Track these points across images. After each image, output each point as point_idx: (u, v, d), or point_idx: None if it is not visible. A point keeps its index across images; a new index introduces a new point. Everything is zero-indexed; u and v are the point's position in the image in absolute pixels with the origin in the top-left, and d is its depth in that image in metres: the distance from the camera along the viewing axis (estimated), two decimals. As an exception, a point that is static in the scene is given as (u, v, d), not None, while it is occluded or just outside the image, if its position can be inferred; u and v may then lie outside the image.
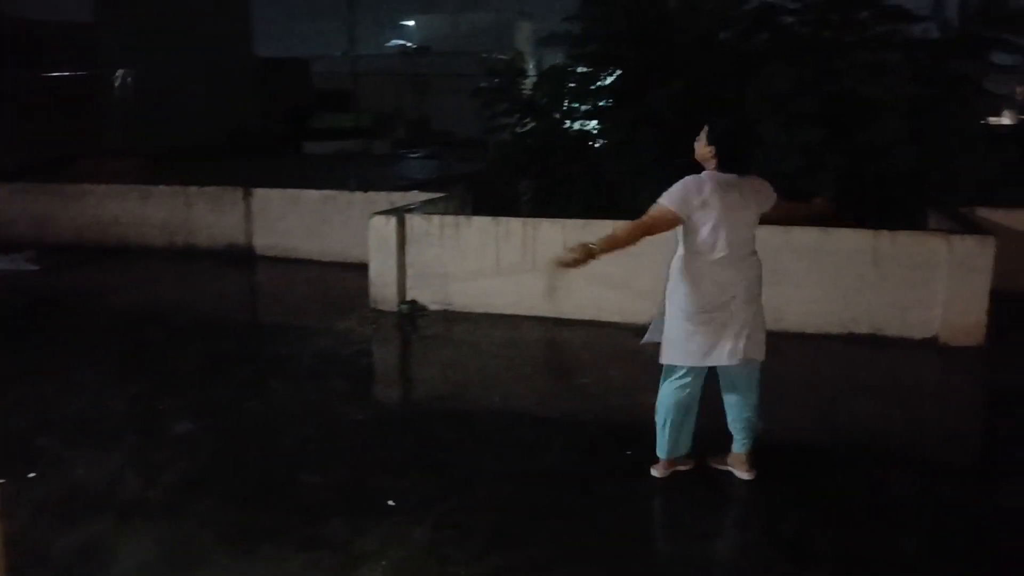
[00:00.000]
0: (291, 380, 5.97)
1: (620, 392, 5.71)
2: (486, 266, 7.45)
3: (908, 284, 6.65)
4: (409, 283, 7.71)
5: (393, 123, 33.54)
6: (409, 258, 7.69)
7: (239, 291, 9.36)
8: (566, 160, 10.65)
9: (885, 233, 6.72)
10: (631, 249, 7.07)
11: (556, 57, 13.06)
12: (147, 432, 4.97)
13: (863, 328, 6.76)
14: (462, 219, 7.74)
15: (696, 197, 3.84)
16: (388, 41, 50.90)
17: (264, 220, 10.40)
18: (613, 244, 3.90)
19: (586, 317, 7.21)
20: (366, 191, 10.23)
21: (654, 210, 3.88)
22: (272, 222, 10.35)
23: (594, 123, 11.87)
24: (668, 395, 4.26)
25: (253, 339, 7.23)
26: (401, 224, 7.66)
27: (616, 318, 7.09)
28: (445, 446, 4.83)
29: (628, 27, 10.81)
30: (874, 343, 6.68)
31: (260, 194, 10.45)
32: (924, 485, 4.31)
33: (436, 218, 7.73)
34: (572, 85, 11.60)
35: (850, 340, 6.72)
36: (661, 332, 4.24)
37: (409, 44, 47.52)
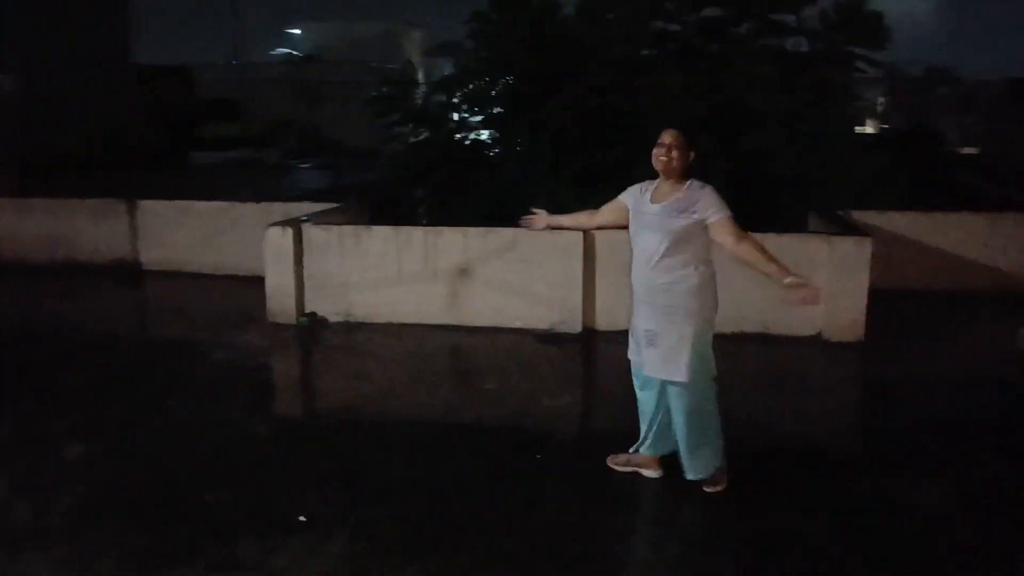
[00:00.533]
0: (189, 397, 5.80)
1: (524, 397, 5.80)
2: (387, 275, 7.42)
3: (793, 284, 7.00)
4: (308, 295, 7.60)
5: (283, 132, 32.89)
6: (308, 269, 7.58)
7: (129, 307, 9.01)
8: (463, 169, 10.73)
9: (771, 235, 7.03)
10: (530, 257, 7.23)
11: (447, 67, 13.10)
12: (36, 456, 4.74)
13: (752, 327, 7.07)
14: (362, 229, 7.69)
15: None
16: (274, 49, 49.94)
17: (151, 233, 10.06)
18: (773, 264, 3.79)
19: (488, 324, 7.28)
20: (259, 202, 10.01)
21: (736, 223, 3.85)
22: (160, 235, 10.01)
23: (489, 132, 11.99)
24: (714, 407, 4.18)
25: (147, 356, 6.97)
26: (298, 235, 7.55)
27: (517, 324, 7.20)
28: (353, 458, 4.79)
29: (523, 36, 10.98)
30: (763, 341, 7.00)
31: (146, 206, 10.10)
32: (814, 473, 4.55)
33: (335, 228, 7.66)
34: (467, 90, 11.68)
35: (741, 339, 7.01)
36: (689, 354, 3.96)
37: (295, 52, 46.75)
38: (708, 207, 3.82)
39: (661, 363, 3.97)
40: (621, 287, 7.12)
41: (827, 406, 5.87)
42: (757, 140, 10.48)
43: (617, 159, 10.35)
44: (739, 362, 6.60)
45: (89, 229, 10.23)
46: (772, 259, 3.75)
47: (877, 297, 6.98)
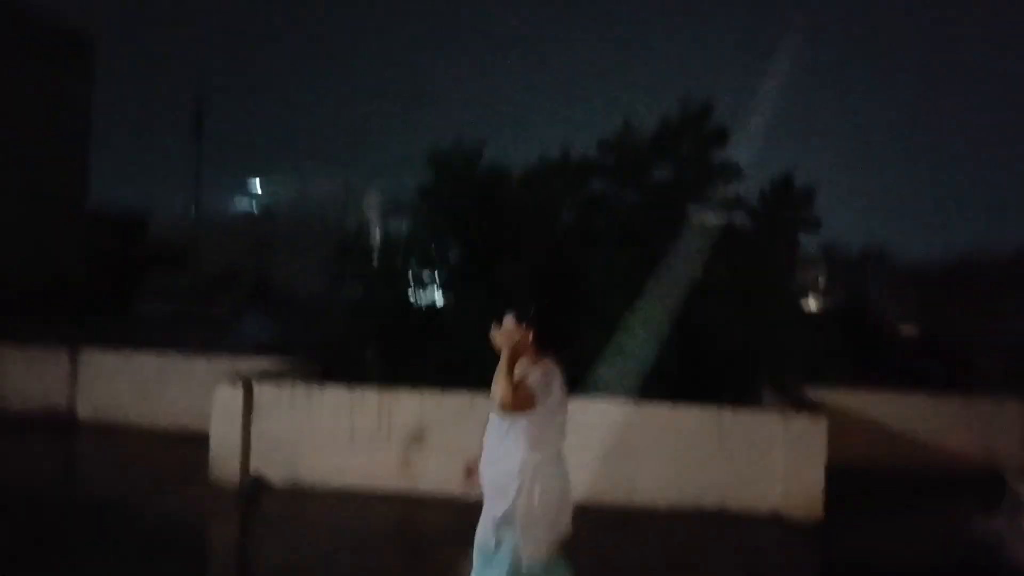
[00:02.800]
0: (114, 564, 5.37)
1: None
2: (339, 438, 7.17)
3: (749, 459, 6.94)
4: (254, 456, 7.27)
5: (234, 283, 32.78)
6: (255, 429, 7.29)
7: (57, 462, 8.51)
8: (417, 329, 10.69)
9: (728, 410, 7.04)
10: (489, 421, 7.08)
11: (403, 226, 13.38)
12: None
13: (710, 502, 6.92)
14: (315, 388, 7.49)
15: (558, 393, 3.71)
16: (234, 200, 50.58)
17: (91, 384, 9.68)
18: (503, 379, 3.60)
19: (441, 491, 7.00)
20: (208, 356, 9.78)
21: (522, 392, 3.62)
22: (100, 386, 9.65)
23: (442, 293, 12.09)
24: None
25: (70, 518, 6.50)
26: (248, 392, 7.31)
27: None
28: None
29: (473, 205, 11.30)
30: (720, 517, 6.84)
31: (88, 355, 9.77)
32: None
33: (287, 386, 7.44)
34: (420, 254, 11.85)
35: (698, 514, 6.84)
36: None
37: (254, 204, 47.43)
38: (529, 373, 3.67)
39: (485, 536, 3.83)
40: (576, 456, 6.99)
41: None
42: (705, 314, 10.71)
43: (568, 328, 10.45)
44: (698, 542, 6.43)
45: (23, 376, 9.82)
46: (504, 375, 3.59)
47: (830, 474, 6.93)
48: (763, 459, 6.90)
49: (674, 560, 6.01)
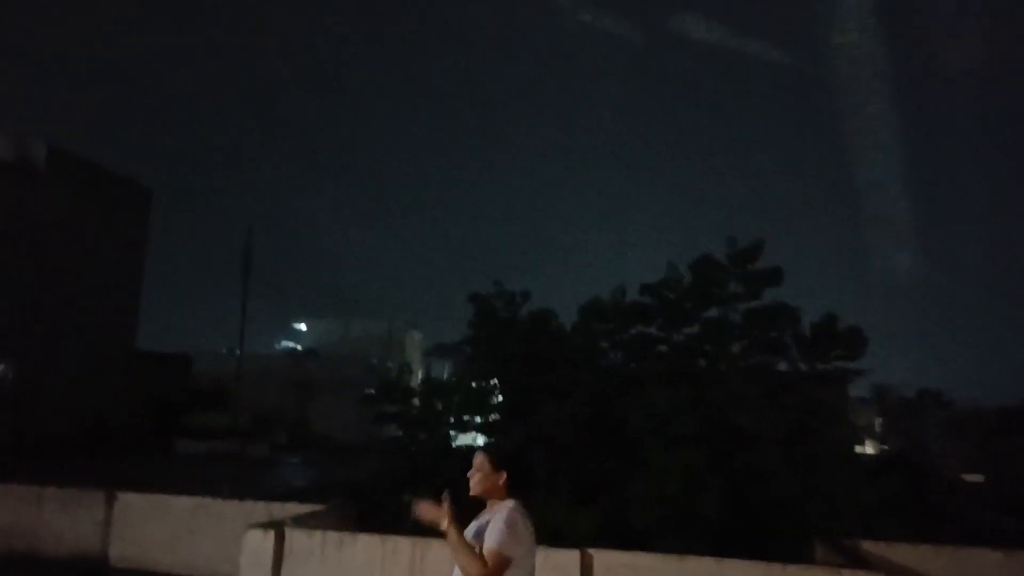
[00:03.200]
0: None
1: None
2: (370, 588, 6.90)
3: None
4: (283, 606, 7.02)
5: (273, 424, 32.79)
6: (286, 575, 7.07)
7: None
8: (456, 474, 10.47)
9: (777, 566, 6.65)
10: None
11: (444, 368, 13.39)
12: None
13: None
14: (346, 536, 7.27)
15: (523, 534, 3.57)
16: (279, 342, 51.34)
17: (124, 527, 9.52)
18: (457, 552, 3.48)
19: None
20: (242, 499, 9.61)
21: (497, 562, 3.47)
22: (133, 530, 9.48)
23: (483, 438, 11.90)
24: None
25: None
26: (280, 540, 7.12)
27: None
28: None
29: (517, 348, 11.27)
30: None
31: (124, 499, 9.66)
32: None
33: (318, 534, 7.24)
34: (461, 398, 11.77)
35: None
36: None
37: (298, 347, 48.03)
38: (491, 528, 3.52)
39: None
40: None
41: None
42: (751, 460, 10.35)
43: (609, 472, 10.16)
44: None
45: (59, 519, 9.70)
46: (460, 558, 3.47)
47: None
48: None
49: None
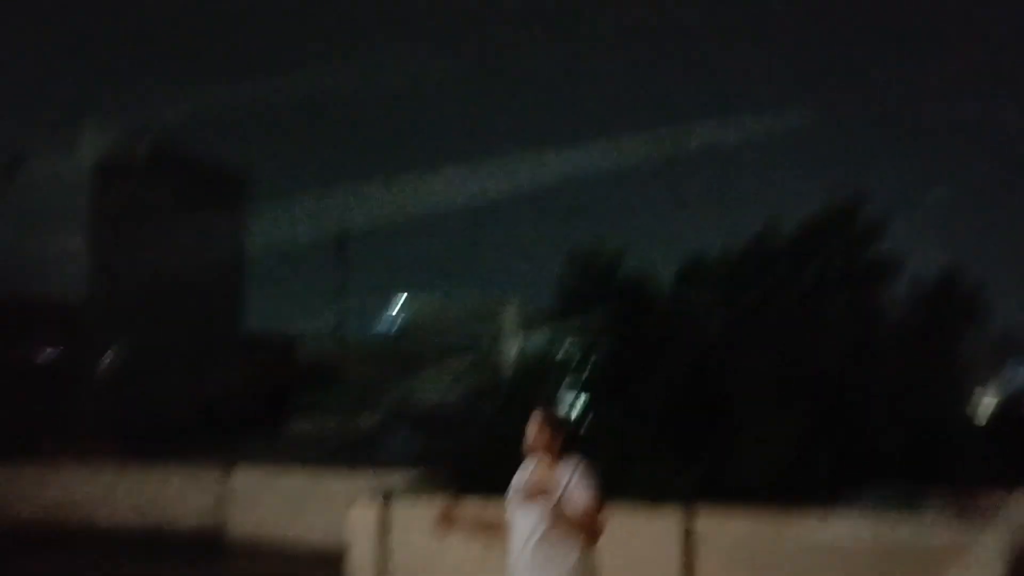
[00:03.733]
0: None
1: None
2: (474, 555, 7.02)
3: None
4: (392, 572, 7.23)
5: (378, 400, 33.63)
6: (392, 545, 7.27)
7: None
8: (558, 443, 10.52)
9: (886, 520, 6.47)
10: (632, 535, 6.80)
11: (541, 338, 13.41)
12: None
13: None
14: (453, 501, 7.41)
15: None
16: (378, 318, 52.51)
17: (240, 501, 9.99)
18: (570, 524, 3.57)
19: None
20: (350, 472, 9.95)
21: (598, 507, 3.60)
22: (249, 503, 9.93)
23: (579, 408, 11.91)
24: None
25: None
26: (385, 510, 7.33)
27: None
28: None
29: (613, 313, 11.18)
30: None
31: (239, 474, 10.13)
32: None
33: (422, 502, 7.42)
34: (557, 367, 11.78)
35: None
36: None
37: (398, 322, 48.99)
38: (580, 482, 3.59)
39: None
40: (726, 570, 6.56)
41: None
42: (862, 417, 10.06)
43: (712, 435, 10.03)
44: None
45: (180, 495, 10.26)
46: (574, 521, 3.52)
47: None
48: (930, 574, 6.25)
49: None
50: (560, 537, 3.58)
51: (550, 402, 3.56)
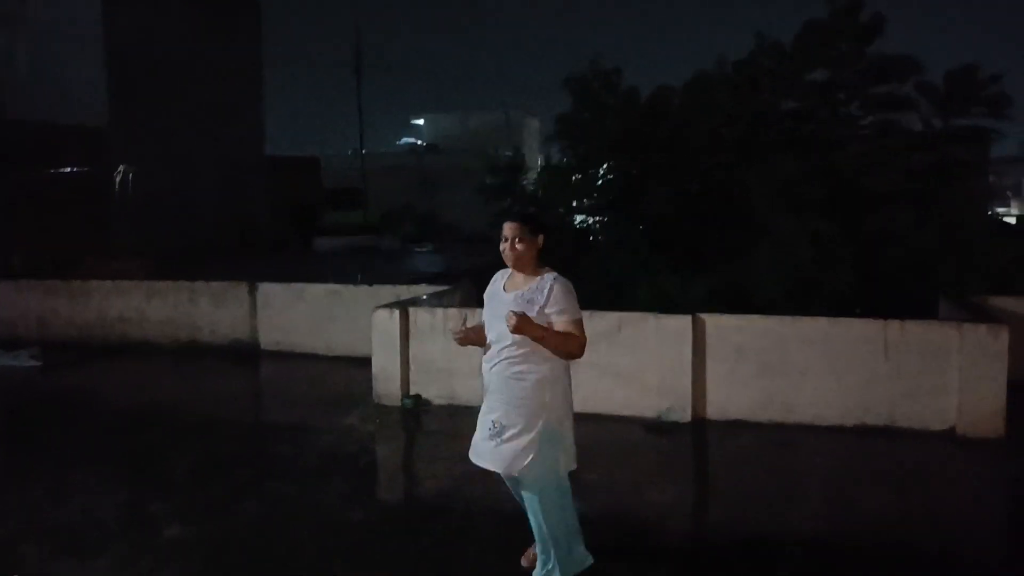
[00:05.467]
0: (291, 480, 5.79)
1: (629, 489, 5.52)
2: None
3: (921, 374, 6.48)
4: (413, 377, 7.59)
5: (401, 219, 33.96)
6: (413, 352, 7.58)
7: (241, 389, 9.19)
8: (570, 254, 10.67)
9: (895, 322, 6.59)
10: (636, 341, 7.00)
11: (555, 153, 13.29)
12: (137, 537, 4.78)
13: (877, 420, 6.57)
14: (467, 312, 7.63)
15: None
16: (399, 139, 52.05)
17: (269, 315, 10.36)
18: (547, 340, 3.56)
19: (590, 410, 7.00)
20: (372, 285, 10.21)
21: (582, 328, 3.63)
22: (277, 317, 10.30)
23: (596, 218, 11.96)
24: (565, 508, 3.86)
25: (253, 438, 7.06)
26: (405, 317, 7.59)
27: (624, 411, 6.92)
28: (452, 547, 4.62)
29: (615, 129, 11.00)
30: (889, 435, 6.48)
31: (265, 289, 10.44)
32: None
33: (440, 311, 7.66)
34: (575, 179, 11.75)
35: (864, 432, 6.52)
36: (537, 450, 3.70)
37: (419, 142, 48.57)
38: (554, 304, 3.58)
39: (507, 457, 3.70)
40: (734, 374, 6.81)
41: (961, 511, 5.31)
42: (882, 222, 10.02)
43: (727, 244, 10.08)
44: (861, 459, 6.14)
45: (211, 311, 10.63)
46: (555, 340, 3.56)
47: (1015, 389, 6.38)
48: (936, 373, 6.44)
49: (841, 474, 5.78)
50: (529, 352, 3.61)
51: (522, 210, 3.46)
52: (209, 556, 4.53)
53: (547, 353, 3.61)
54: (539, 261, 3.74)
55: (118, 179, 13.70)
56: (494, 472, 3.83)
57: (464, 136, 46.73)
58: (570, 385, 3.80)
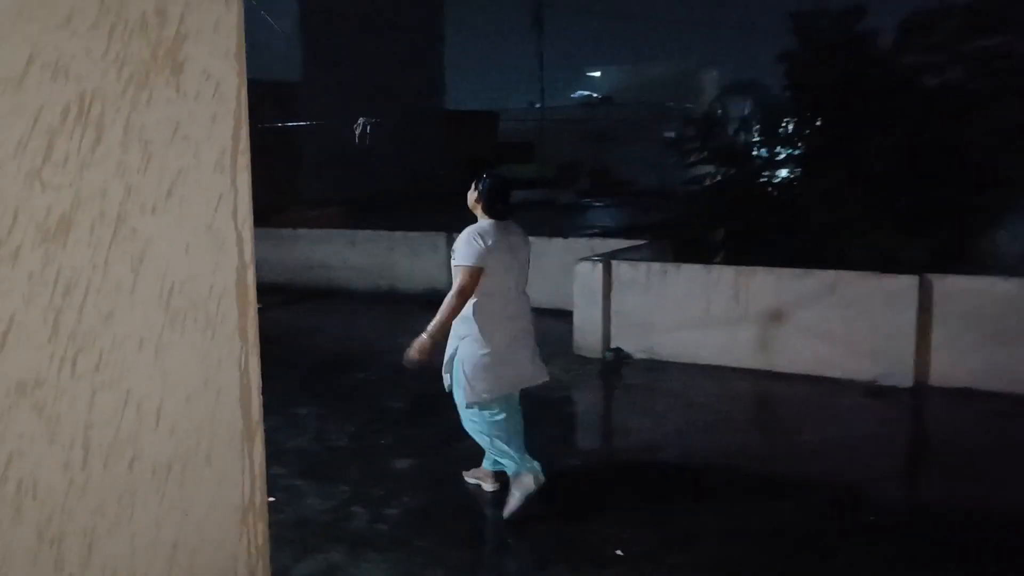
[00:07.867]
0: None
1: (845, 452, 5.35)
2: (694, 315, 7.24)
3: None
4: (614, 330, 7.61)
5: (576, 173, 33.96)
6: (614, 305, 7.60)
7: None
8: (769, 209, 10.30)
9: None
10: (853, 302, 6.70)
11: (743, 107, 12.70)
12: (368, 467, 5.11)
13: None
14: (671, 267, 7.58)
15: (483, 246, 4.14)
16: (574, 92, 51.81)
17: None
18: (444, 326, 4.21)
19: (802, 371, 6.82)
20: (565, 237, 10.28)
21: (463, 274, 4.12)
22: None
23: (791, 171, 11.43)
24: (492, 426, 4.39)
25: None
26: (608, 271, 7.60)
27: (835, 374, 6.66)
28: (662, 499, 4.66)
29: (837, 76, 10.37)
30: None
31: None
32: None
33: (643, 265, 7.62)
34: (784, 127, 11.26)
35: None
36: (452, 377, 4.42)
37: (594, 95, 48.15)
38: (456, 249, 4.23)
39: (542, 367, 4.66)
40: (963, 339, 6.38)
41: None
42: None
43: (948, 201, 9.42)
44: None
45: (407, 260, 11.07)
46: (438, 321, 4.19)
47: None
48: None
49: None
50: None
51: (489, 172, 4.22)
52: (435, 487, 4.79)
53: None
54: (483, 213, 4.34)
55: (357, 131, 14.39)
56: (518, 391, 4.59)
57: (638, 89, 45.91)
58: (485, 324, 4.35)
